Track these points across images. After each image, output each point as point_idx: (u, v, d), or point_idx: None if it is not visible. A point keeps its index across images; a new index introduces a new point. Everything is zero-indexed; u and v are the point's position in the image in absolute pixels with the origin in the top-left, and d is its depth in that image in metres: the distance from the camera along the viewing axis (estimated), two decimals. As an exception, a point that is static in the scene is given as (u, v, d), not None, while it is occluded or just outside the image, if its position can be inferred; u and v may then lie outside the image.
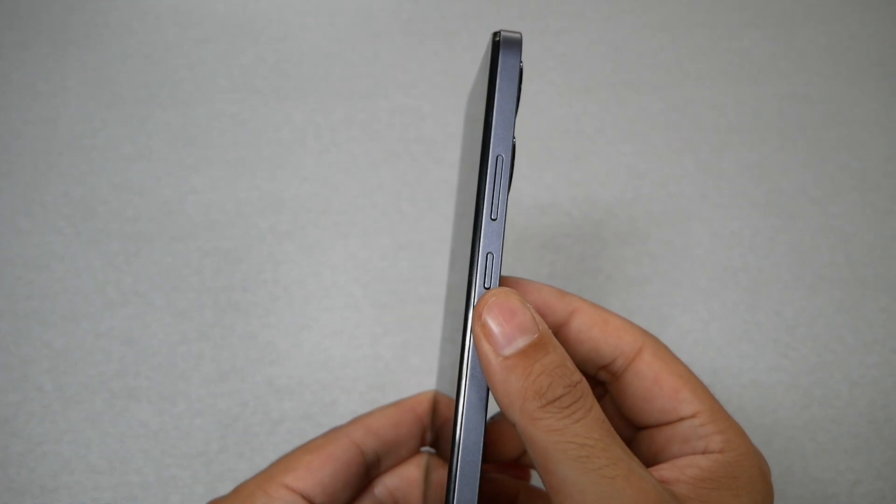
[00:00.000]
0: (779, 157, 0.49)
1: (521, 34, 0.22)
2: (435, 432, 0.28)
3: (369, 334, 0.43)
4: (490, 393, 0.21)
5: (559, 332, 0.25)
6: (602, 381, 0.26)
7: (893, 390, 0.43)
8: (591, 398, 0.20)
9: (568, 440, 0.19)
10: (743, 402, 0.42)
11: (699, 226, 0.47)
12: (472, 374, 0.21)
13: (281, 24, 0.53)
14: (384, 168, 0.48)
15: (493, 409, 0.23)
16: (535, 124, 0.50)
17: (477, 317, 0.21)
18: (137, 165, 0.47)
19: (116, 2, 0.53)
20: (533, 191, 0.47)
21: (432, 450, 0.29)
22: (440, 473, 0.25)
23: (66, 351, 0.42)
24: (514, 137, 0.22)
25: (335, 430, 0.27)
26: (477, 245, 0.21)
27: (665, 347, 0.25)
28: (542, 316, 0.24)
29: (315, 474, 0.26)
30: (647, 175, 0.48)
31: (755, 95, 0.51)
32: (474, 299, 0.21)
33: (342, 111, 0.50)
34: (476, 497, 0.21)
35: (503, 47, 0.22)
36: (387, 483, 0.29)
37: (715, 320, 0.44)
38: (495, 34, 0.22)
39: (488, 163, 0.21)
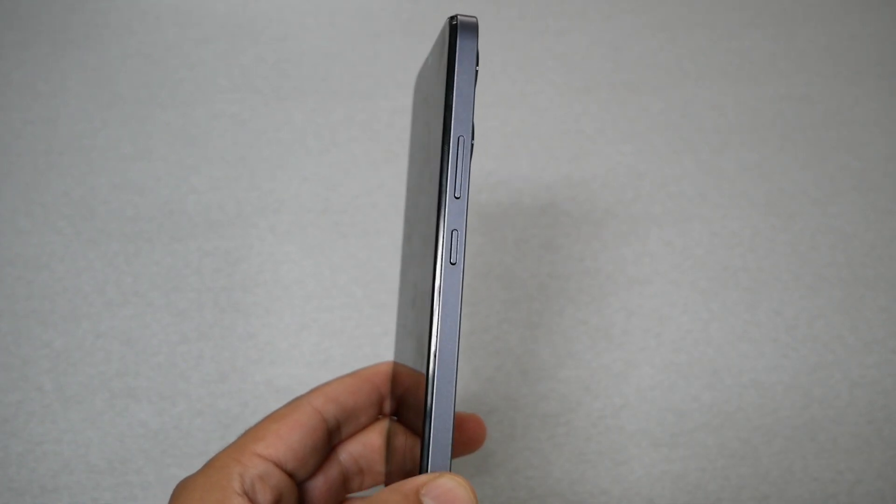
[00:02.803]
0: (779, 157, 0.49)
1: (476, 18, 0.23)
2: (396, 401, 0.30)
3: (369, 334, 0.43)
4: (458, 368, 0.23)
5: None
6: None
7: (893, 390, 0.43)
8: None
9: None
10: (743, 402, 0.42)
11: (699, 226, 0.47)
12: (441, 347, 0.22)
13: (281, 24, 0.53)
14: (384, 168, 0.48)
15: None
16: (535, 124, 0.50)
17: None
18: (137, 165, 0.47)
19: (116, 2, 0.53)
20: (533, 191, 0.48)
21: (394, 418, 0.30)
22: (401, 439, 0.26)
23: (66, 351, 0.42)
24: (473, 118, 0.22)
25: (297, 400, 0.29)
26: (441, 222, 0.22)
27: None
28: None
29: (284, 441, 0.27)
30: (647, 175, 0.48)
31: (755, 95, 0.51)
32: (441, 274, 0.22)
33: (342, 111, 0.50)
34: (449, 459, 0.22)
35: (461, 31, 0.22)
36: (350, 450, 0.30)
37: (715, 320, 0.44)
38: (452, 18, 0.23)
39: (450, 144, 0.22)
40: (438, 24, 0.53)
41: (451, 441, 0.22)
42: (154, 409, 0.41)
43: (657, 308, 0.44)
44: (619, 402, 0.42)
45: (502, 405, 0.42)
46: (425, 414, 0.22)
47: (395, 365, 0.31)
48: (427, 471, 0.22)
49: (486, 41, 0.53)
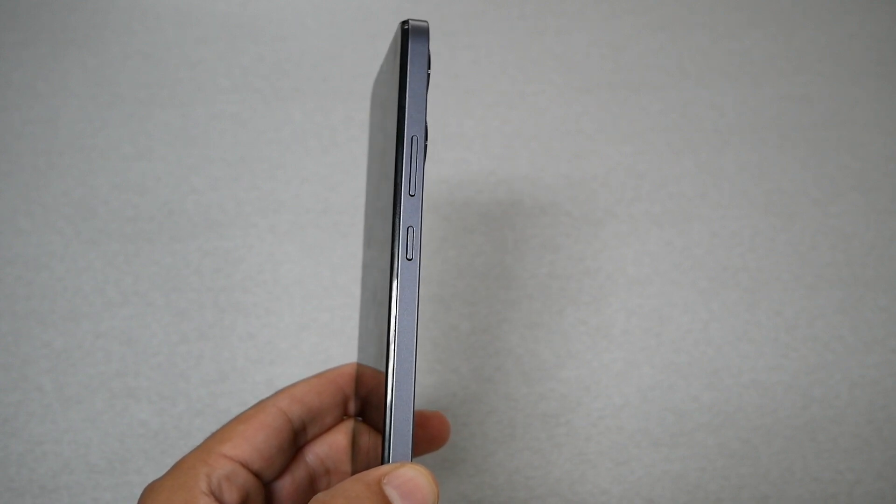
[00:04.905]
0: (779, 157, 0.49)
1: (427, 23, 0.24)
2: (360, 401, 0.30)
3: (369, 334, 0.43)
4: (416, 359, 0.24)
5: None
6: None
7: (893, 390, 0.43)
8: None
9: None
10: (743, 402, 0.42)
11: (699, 226, 0.47)
12: (399, 341, 0.23)
13: (281, 24, 0.53)
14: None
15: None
16: (535, 124, 0.50)
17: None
18: (137, 165, 0.47)
19: (116, 2, 0.53)
20: (533, 191, 0.48)
21: (359, 418, 0.31)
22: (366, 438, 0.27)
23: (66, 351, 0.42)
24: (426, 118, 0.23)
25: (263, 402, 0.29)
26: (397, 220, 0.23)
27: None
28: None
29: (250, 441, 0.27)
30: (647, 175, 0.48)
31: (755, 95, 0.51)
32: (397, 270, 0.23)
33: (342, 111, 0.50)
34: (410, 450, 0.23)
35: (412, 35, 0.23)
36: (317, 451, 0.31)
37: (715, 320, 0.44)
38: (404, 23, 0.24)
39: (404, 143, 0.23)
40: (438, 25, 0.53)
41: (411, 432, 0.23)
42: (154, 409, 0.41)
43: (657, 308, 0.44)
44: (619, 402, 0.42)
45: (502, 405, 0.42)
46: (385, 406, 0.23)
47: (359, 366, 0.31)
48: (389, 461, 0.23)
49: (487, 41, 0.53)
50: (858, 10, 0.55)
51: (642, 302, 0.45)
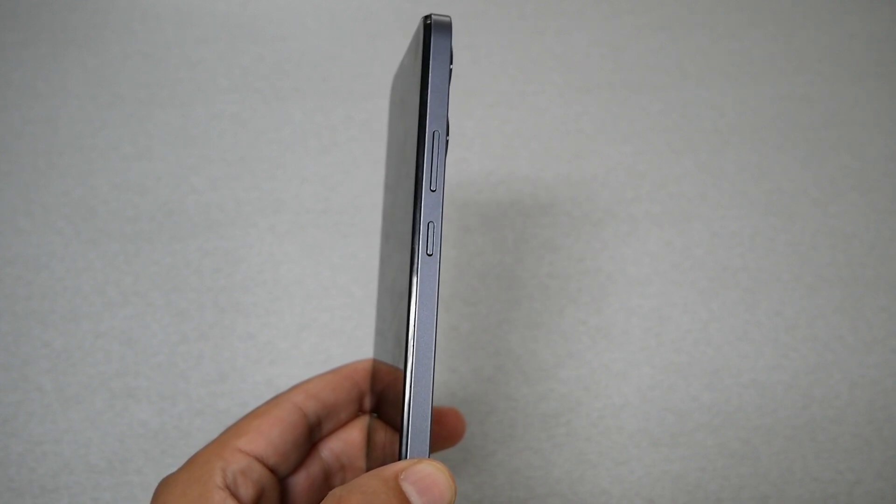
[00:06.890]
0: (779, 157, 0.49)
1: (450, 17, 0.24)
2: (376, 397, 0.30)
3: (369, 334, 0.43)
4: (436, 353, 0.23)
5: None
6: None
7: (893, 390, 0.43)
8: None
9: None
10: (743, 402, 0.42)
11: (699, 226, 0.47)
12: (419, 337, 0.23)
13: (281, 24, 0.53)
14: (384, 168, 0.48)
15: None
16: (535, 124, 0.50)
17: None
18: (137, 165, 0.47)
19: (116, 2, 0.53)
20: (533, 191, 0.48)
21: (374, 414, 0.31)
22: (382, 435, 0.27)
23: (66, 351, 0.42)
24: (447, 114, 0.23)
25: (278, 397, 0.29)
26: (418, 215, 0.23)
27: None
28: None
29: (265, 436, 0.27)
30: (647, 175, 0.48)
31: (755, 95, 0.51)
32: (418, 265, 0.23)
33: (342, 111, 0.50)
34: (427, 446, 0.23)
35: (435, 30, 0.23)
36: (332, 447, 0.31)
37: (715, 320, 0.44)
38: (426, 17, 0.23)
39: (426, 138, 0.23)
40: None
41: (429, 428, 0.23)
42: (154, 409, 0.41)
43: (657, 308, 0.44)
44: (619, 402, 0.42)
45: (502, 405, 0.42)
46: (403, 402, 0.23)
47: (375, 362, 0.31)
48: (406, 457, 0.23)
49: (487, 41, 0.53)
50: (858, 10, 0.55)
51: (642, 302, 0.45)
